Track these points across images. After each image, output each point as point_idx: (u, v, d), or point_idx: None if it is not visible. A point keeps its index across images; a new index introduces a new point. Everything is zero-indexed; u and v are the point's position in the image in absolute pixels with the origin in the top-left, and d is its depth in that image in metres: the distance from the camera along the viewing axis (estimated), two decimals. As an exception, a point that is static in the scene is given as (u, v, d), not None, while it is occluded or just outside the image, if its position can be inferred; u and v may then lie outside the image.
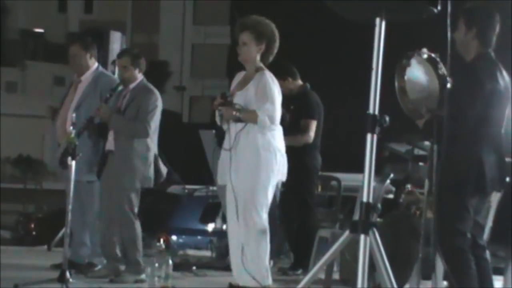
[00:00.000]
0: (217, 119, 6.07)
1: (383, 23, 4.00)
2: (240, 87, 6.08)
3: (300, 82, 8.07)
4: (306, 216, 7.89)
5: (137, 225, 6.87)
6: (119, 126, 6.87)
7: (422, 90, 5.11)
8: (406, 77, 5.03)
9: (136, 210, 6.87)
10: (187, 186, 14.49)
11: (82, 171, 6.89)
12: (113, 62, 8.18)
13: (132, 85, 6.96)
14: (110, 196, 6.86)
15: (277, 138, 5.98)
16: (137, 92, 6.93)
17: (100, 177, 7.00)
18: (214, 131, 7.74)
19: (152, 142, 6.91)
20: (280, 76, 7.21)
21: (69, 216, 6.41)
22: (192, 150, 12.03)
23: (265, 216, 5.91)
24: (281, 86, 6.31)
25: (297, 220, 7.93)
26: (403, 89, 5.02)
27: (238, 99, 6.00)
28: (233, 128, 5.97)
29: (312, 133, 7.83)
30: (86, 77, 7.46)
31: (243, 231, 5.89)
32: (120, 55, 7.23)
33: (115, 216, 6.84)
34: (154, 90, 6.98)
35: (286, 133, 6.26)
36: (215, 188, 9.45)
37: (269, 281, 5.94)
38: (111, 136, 6.92)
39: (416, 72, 5.12)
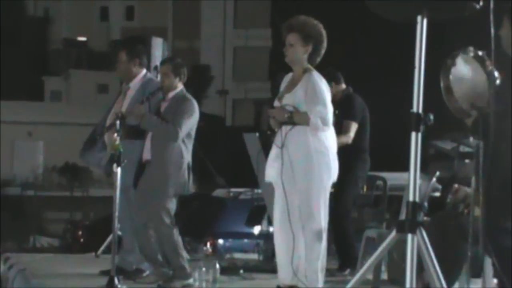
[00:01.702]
0: (270, 122, 6.03)
1: (425, 21, 3.97)
2: (289, 89, 6.00)
3: (343, 86, 8.01)
4: (341, 218, 7.81)
5: (175, 232, 6.82)
6: (150, 126, 6.87)
7: (468, 88, 5.05)
8: (451, 76, 4.97)
9: (172, 214, 6.84)
10: (232, 190, 14.51)
11: (131, 176, 6.91)
12: (155, 68, 8.21)
13: (171, 94, 6.97)
14: (146, 204, 6.85)
15: (330, 138, 5.91)
16: (175, 101, 6.94)
17: (136, 187, 7.00)
18: (257, 134, 7.75)
19: (187, 150, 6.92)
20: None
21: (116, 223, 6.44)
22: (236, 153, 12.04)
23: (321, 219, 5.83)
24: None
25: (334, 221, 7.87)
26: (449, 89, 4.96)
27: (287, 101, 5.93)
28: (284, 128, 5.92)
29: (351, 134, 7.77)
30: (135, 84, 7.46)
31: (298, 234, 5.84)
32: (163, 62, 7.27)
33: (152, 224, 6.83)
34: (192, 100, 6.96)
35: None
36: (260, 191, 9.46)
37: (319, 284, 5.88)
38: (148, 145, 6.94)
39: (462, 71, 5.06)
